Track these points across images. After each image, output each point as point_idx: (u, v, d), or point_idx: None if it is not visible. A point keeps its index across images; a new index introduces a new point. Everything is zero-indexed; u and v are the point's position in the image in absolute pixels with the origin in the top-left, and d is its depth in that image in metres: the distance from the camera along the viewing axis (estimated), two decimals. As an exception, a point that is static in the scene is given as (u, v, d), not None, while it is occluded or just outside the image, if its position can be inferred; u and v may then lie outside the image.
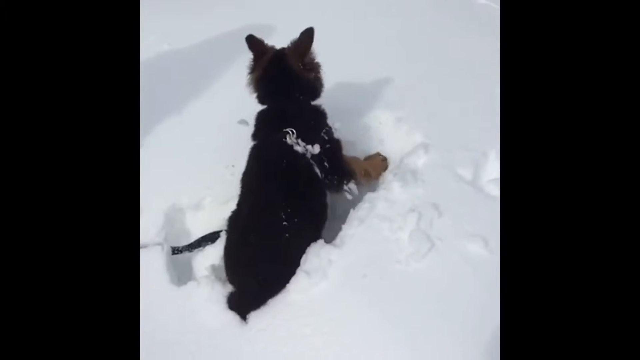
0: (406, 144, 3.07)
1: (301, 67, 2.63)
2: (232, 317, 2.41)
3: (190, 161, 3.14)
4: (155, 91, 3.61)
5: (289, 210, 2.41)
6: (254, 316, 2.39)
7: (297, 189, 2.48)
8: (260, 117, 2.71)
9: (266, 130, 2.63)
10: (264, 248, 2.40)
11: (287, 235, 2.39)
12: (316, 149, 2.58)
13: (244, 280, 2.46)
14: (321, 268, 2.40)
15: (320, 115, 2.72)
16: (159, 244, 2.76)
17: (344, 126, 3.08)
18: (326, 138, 2.67)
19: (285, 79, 2.63)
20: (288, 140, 2.53)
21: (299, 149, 2.55)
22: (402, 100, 3.35)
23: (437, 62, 3.67)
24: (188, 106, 3.57)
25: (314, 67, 2.70)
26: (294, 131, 2.54)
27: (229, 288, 2.54)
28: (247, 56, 2.77)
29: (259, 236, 2.41)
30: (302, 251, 2.45)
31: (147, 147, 3.21)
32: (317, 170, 2.62)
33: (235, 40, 2.94)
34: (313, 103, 2.73)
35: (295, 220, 2.41)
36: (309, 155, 2.57)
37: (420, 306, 2.23)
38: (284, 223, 2.39)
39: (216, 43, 4.24)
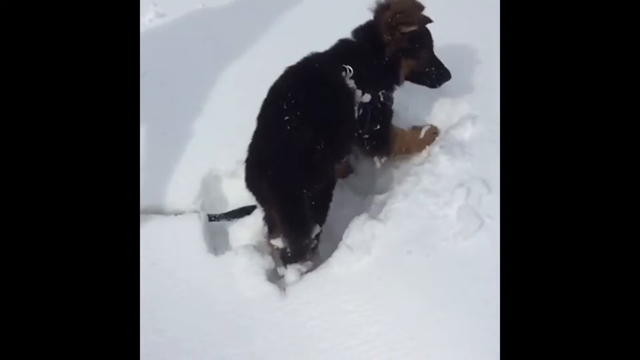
0: (452, 115, 2.93)
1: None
2: (272, 288, 2.36)
3: (227, 127, 3.04)
4: (198, 56, 3.53)
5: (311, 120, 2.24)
6: (294, 289, 2.34)
7: (329, 109, 2.33)
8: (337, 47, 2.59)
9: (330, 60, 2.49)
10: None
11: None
12: (366, 97, 2.50)
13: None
14: (364, 243, 2.32)
15: (388, 77, 2.65)
16: (195, 211, 2.71)
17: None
18: (381, 99, 2.59)
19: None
20: (343, 74, 2.44)
21: (352, 84, 2.45)
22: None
23: (482, 30, 3.47)
24: (227, 71, 3.45)
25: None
26: (352, 70, 2.44)
27: (268, 259, 2.48)
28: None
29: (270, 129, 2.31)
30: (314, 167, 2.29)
31: (183, 112, 3.13)
32: (356, 110, 2.49)
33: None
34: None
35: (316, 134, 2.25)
36: (357, 98, 2.47)
37: (467, 288, 2.14)
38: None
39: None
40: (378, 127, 2.61)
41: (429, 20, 2.63)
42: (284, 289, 2.36)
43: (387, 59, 2.55)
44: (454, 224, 2.31)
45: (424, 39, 2.63)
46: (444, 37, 2.71)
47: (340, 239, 2.42)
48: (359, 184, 2.97)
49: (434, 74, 2.69)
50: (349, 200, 2.83)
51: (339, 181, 2.87)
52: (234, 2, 4.10)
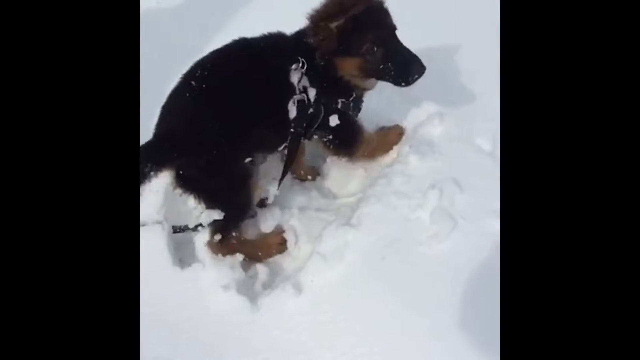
0: (419, 113, 2.87)
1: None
2: (242, 301, 2.25)
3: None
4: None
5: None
6: (266, 301, 2.24)
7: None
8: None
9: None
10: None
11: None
12: (311, 93, 2.30)
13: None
14: (337, 250, 2.25)
15: (330, 83, 2.35)
16: (158, 222, 2.57)
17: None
18: (339, 107, 2.42)
19: None
20: (293, 66, 2.26)
21: (295, 79, 2.27)
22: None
23: (448, 25, 3.42)
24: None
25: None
26: (305, 64, 2.25)
27: (238, 270, 2.38)
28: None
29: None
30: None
31: (144, 119, 2.98)
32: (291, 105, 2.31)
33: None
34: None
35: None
36: (298, 94, 2.28)
37: (443, 292, 2.09)
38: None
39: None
40: (341, 129, 2.45)
41: (374, 5, 2.20)
42: (255, 301, 2.26)
43: (322, 63, 2.25)
44: (428, 226, 2.26)
45: (367, 31, 2.18)
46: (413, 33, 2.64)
47: (312, 247, 2.34)
48: (327, 186, 2.88)
49: (392, 71, 2.27)
50: (317, 204, 2.74)
51: (307, 184, 2.79)
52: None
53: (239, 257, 2.44)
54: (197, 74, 2.26)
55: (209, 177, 2.35)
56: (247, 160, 2.37)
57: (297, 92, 2.27)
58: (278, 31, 2.39)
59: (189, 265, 2.43)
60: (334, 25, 2.12)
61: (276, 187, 2.51)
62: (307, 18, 2.20)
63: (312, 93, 2.30)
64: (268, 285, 2.35)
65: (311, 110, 2.33)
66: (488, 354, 1.94)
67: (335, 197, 2.77)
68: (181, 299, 2.31)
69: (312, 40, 2.22)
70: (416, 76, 2.25)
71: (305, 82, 2.27)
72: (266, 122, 2.33)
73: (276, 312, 2.19)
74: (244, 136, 2.29)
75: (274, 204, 2.61)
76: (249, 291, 2.33)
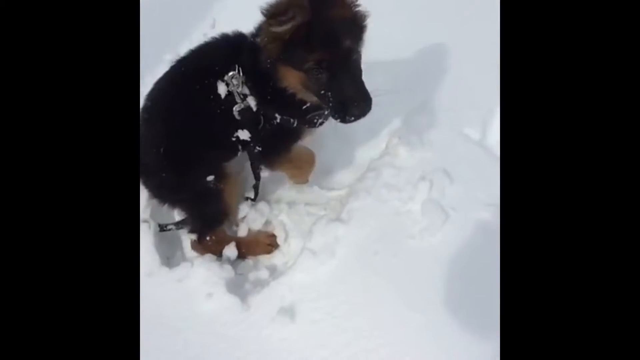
0: (406, 103, 2.82)
1: None
2: (233, 300, 2.21)
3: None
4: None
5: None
6: (257, 299, 2.20)
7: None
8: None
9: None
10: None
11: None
12: (251, 102, 2.10)
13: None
14: (328, 246, 2.21)
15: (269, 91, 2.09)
16: (145, 221, 2.51)
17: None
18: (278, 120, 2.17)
19: None
20: (226, 78, 2.09)
21: (224, 90, 2.10)
22: (398, 54, 3.08)
23: (435, 14, 3.37)
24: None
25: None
26: (241, 72, 2.07)
27: (227, 268, 2.34)
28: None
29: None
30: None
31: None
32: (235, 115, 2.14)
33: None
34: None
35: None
36: (237, 106, 2.12)
37: (437, 286, 2.07)
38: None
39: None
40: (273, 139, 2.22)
41: (337, 19, 1.86)
42: (246, 300, 2.22)
43: (267, 65, 1.98)
44: (419, 219, 2.23)
45: (315, 49, 1.85)
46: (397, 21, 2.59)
47: (303, 243, 2.30)
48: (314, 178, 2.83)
49: (331, 102, 1.93)
50: (306, 198, 2.69)
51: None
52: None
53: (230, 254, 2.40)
54: (146, 100, 2.27)
55: (171, 194, 2.36)
56: (210, 178, 2.28)
57: (239, 99, 2.11)
58: (233, 32, 2.20)
59: (177, 264, 2.39)
60: (280, 29, 1.84)
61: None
62: (261, 12, 1.89)
63: (252, 102, 2.11)
64: (258, 284, 2.31)
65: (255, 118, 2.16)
66: (483, 346, 1.92)
67: (321, 189, 2.71)
68: (170, 299, 2.27)
69: (260, 40, 1.95)
70: (353, 118, 1.93)
71: (245, 90, 2.10)
72: (211, 141, 2.23)
73: (267, 311, 2.14)
74: (190, 158, 2.23)
75: (262, 199, 2.57)
76: (239, 290, 2.28)
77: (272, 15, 1.83)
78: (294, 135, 2.25)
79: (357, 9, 1.97)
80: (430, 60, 2.98)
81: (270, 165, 2.39)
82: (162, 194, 2.40)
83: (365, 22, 1.99)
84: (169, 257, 2.50)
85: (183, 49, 2.33)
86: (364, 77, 1.99)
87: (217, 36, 2.22)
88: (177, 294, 2.28)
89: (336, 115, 1.94)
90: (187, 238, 2.51)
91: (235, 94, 2.09)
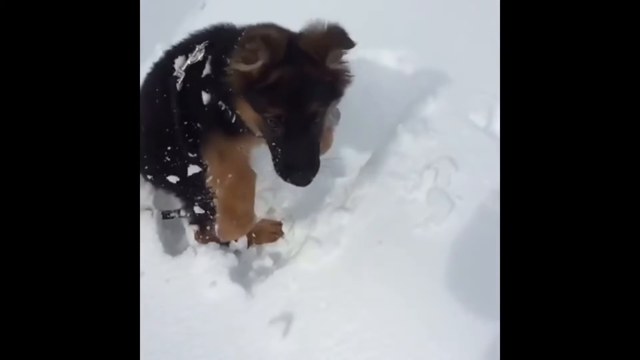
0: (411, 89, 2.79)
1: None
2: (236, 289, 2.20)
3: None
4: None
5: None
6: (261, 288, 2.20)
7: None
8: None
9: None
10: None
11: None
12: (205, 97, 2.02)
13: None
14: (332, 235, 2.20)
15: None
16: (148, 208, 2.50)
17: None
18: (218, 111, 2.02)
19: None
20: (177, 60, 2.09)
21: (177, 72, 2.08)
22: (405, 38, 3.04)
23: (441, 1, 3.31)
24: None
25: None
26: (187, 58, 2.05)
27: (231, 257, 2.32)
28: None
29: None
30: None
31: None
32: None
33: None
34: None
35: None
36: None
37: (443, 276, 2.05)
38: None
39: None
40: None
41: (313, 77, 1.75)
42: (250, 289, 2.21)
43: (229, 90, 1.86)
44: (425, 208, 2.21)
45: (277, 102, 1.75)
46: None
47: (306, 232, 2.29)
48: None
49: (277, 158, 1.85)
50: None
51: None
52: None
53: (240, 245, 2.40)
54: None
55: (155, 178, 2.35)
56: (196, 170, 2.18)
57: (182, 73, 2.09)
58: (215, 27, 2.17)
59: (181, 252, 2.37)
60: (246, 68, 1.76)
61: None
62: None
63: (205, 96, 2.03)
64: (262, 272, 2.30)
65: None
66: (488, 336, 1.91)
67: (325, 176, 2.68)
68: (174, 288, 2.27)
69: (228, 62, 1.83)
70: (289, 180, 1.86)
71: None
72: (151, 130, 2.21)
73: (270, 300, 2.14)
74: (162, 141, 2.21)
75: (266, 186, 2.55)
76: (243, 278, 2.27)
77: (241, 45, 1.74)
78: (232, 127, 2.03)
79: (341, 71, 1.86)
80: (436, 44, 2.93)
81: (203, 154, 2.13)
82: (147, 175, 2.38)
83: (346, 88, 1.89)
84: (173, 245, 2.48)
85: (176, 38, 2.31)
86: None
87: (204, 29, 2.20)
88: (181, 282, 2.28)
89: (277, 171, 1.87)
90: (191, 226, 2.49)
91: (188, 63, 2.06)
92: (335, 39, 1.77)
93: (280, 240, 2.43)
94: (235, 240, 2.41)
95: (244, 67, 1.75)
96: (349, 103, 2.75)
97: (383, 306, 2.02)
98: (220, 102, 1.97)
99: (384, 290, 2.05)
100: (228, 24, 2.16)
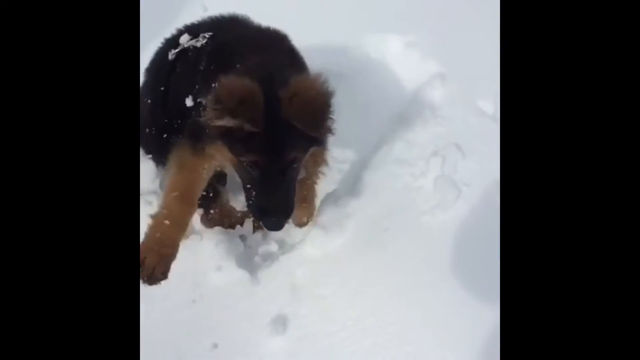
0: (419, 74, 2.77)
1: None
2: (242, 274, 2.20)
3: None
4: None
5: None
6: (266, 274, 2.19)
7: None
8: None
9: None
10: None
11: None
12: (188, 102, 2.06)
13: None
14: (338, 221, 2.19)
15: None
16: (154, 192, 2.49)
17: (338, 57, 2.72)
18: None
19: None
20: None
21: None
22: (412, 22, 3.00)
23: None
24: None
25: None
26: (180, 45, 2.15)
27: (236, 241, 2.32)
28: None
29: None
30: None
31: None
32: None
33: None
34: None
35: None
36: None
37: (448, 263, 2.05)
38: None
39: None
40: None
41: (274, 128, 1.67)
42: (255, 274, 2.21)
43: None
44: (431, 195, 2.20)
45: (253, 149, 1.71)
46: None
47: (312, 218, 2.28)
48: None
49: (250, 200, 1.82)
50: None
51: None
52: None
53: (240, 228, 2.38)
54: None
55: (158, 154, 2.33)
56: None
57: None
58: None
59: (187, 237, 2.37)
60: (221, 123, 1.69)
61: None
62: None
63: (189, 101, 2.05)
64: (268, 257, 2.29)
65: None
66: (492, 323, 1.91)
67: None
68: (179, 272, 2.25)
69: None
70: (261, 223, 1.90)
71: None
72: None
73: (275, 285, 2.14)
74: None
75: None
76: (249, 264, 2.27)
77: (216, 101, 1.65)
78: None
79: (325, 129, 1.78)
80: (444, 30, 2.89)
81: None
82: (150, 152, 2.38)
83: (326, 139, 1.86)
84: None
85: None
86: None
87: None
88: (186, 266, 2.27)
89: (251, 211, 1.86)
90: (197, 211, 2.48)
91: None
92: (319, 108, 1.70)
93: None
94: (241, 225, 2.40)
95: (219, 122, 1.68)
96: (356, 87, 2.75)
97: (388, 293, 2.02)
98: (200, 114, 1.85)
99: (389, 277, 2.06)
100: (244, 18, 2.20)
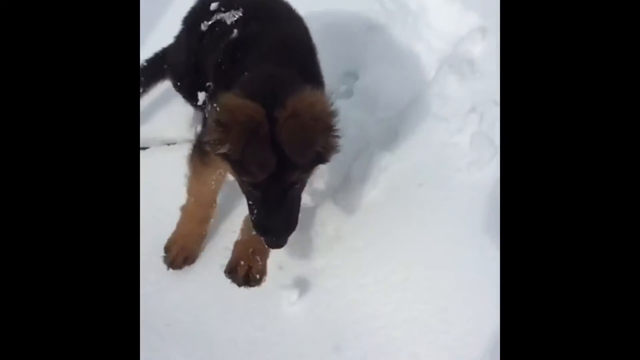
0: (459, 27, 2.68)
1: None
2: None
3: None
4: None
5: None
6: (300, 225, 2.19)
7: None
8: None
9: None
10: None
11: None
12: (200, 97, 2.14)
13: None
14: (371, 175, 2.19)
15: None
16: (189, 141, 2.46)
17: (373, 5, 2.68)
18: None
19: None
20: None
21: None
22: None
23: None
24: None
25: None
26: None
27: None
28: None
29: None
30: None
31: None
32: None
33: None
34: None
35: None
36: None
37: (482, 222, 2.03)
38: None
39: None
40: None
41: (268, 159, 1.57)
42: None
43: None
44: (467, 152, 2.17)
45: (257, 170, 1.60)
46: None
47: (346, 170, 2.27)
48: (359, 102, 2.73)
49: (254, 216, 1.75)
50: (350, 122, 2.62)
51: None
52: None
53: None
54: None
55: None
56: None
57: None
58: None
59: (221, 189, 2.39)
60: (218, 150, 1.64)
61: None
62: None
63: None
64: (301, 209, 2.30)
65: None
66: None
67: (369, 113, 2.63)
68: (214, 223, 2.28)
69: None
70: (264, 239, 1.81)
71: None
72: None
73: (306, 237, 2.15)
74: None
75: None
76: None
77: (218, 124, 1.59)
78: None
79: (329, 147, 1.68)
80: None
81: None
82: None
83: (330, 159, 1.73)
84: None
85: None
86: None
87: None
88: (221, 218, 2.30)
89: (254, 225, 1.78)
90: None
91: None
92: (311, 134, 1.58)
93: (317, 177, 2.40)
94: None
95: (221, 149, 1.62)
96: (394, 38, 2.69)
97: (420, 248, 2.03)
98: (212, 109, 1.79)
99: (421, 232, 2.06)
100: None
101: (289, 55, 1.85)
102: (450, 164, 2.16)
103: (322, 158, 1.69)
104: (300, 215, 2.22)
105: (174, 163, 2.17)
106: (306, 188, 2.35)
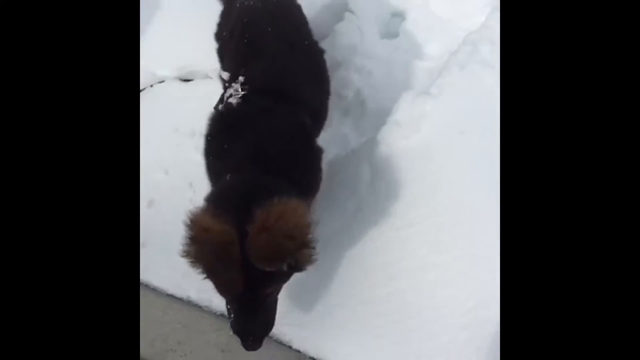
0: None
1: None
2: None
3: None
4: None
5: None
6: (333, 169, 2.21)
7: None
8: None
9: None
10: None
11: None
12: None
13: None
14: (414, 119, 2.16)
15: None
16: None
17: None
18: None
19: None
20: None
21: None
22: None
23: None
24: None
25: None
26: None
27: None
28: None
29: None
30: None
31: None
32: None
33: None
34: None
35: None
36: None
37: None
38: None
39: None
40: None
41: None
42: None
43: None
44: (513, 101, 2.11)
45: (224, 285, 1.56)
46: None
47: (388, 114, 2.25)
48: (404, 44, 2.67)
49: (230, 318, 1.68)
50: (395, 64, 2.57)
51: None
52: None
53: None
54: None
55: None
56: None
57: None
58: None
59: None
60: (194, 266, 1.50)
61: None
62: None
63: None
64: (339, 154, 2.31)
65: None
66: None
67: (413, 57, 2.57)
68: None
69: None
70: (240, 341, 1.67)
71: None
72: None
73: (342, 178, 2.19)
74: None
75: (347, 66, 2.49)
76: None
77: (190, 240, 1.47)
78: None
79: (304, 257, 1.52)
80: None
81: None
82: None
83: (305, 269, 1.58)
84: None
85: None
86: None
87: None
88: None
89: (230, 327, 1.68)
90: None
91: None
92: (291, 248, 1.46)
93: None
94: None
95: (193, 263, 1.49)
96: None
97: (457, 195, 2.01)
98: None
99: (460, 179, 2.04)
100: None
101: (279, 155, 1.70)
102: (495, 113, 2.10)
103: (298, 269, 1.58)
104: (339, 157, 2.23)
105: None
106: (347, 125, 2.37)
